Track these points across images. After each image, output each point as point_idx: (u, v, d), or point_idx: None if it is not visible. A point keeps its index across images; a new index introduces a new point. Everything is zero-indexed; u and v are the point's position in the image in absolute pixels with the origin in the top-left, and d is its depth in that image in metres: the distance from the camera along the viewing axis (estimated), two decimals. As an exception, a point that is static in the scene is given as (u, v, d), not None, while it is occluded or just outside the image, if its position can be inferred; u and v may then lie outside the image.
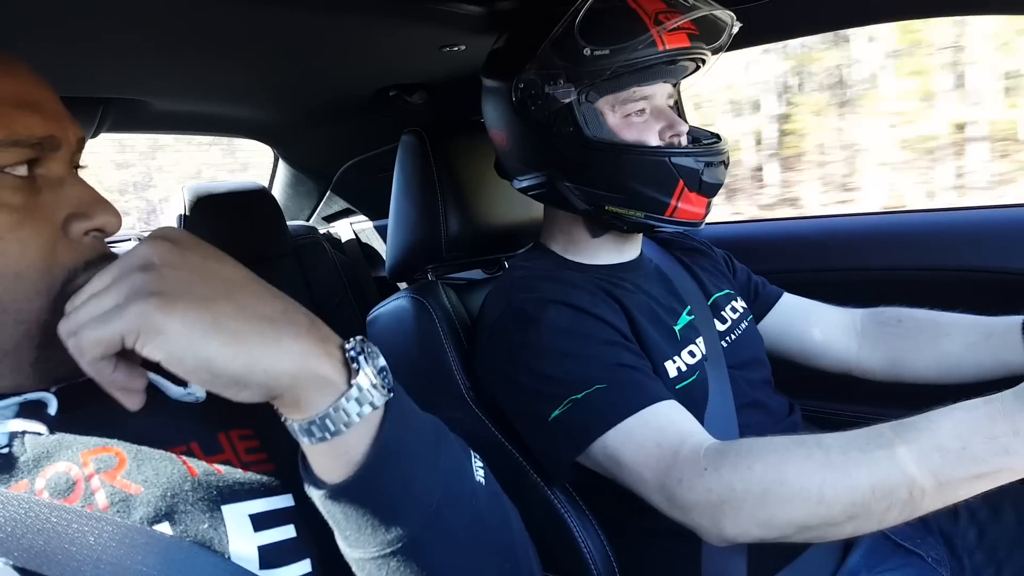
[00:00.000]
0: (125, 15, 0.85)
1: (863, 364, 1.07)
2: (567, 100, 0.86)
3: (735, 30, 0.89)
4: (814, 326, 1.10)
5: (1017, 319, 0.94)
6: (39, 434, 0.48)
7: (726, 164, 0.90)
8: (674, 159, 0.86)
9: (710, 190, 0.89)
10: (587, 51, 0.84)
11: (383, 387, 0.45)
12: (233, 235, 1.60)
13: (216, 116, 1.59)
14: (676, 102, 0.97)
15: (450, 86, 1.38)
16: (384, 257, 1.87)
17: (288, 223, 1.76)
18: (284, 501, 0.53)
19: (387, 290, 1.73)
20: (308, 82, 1.36)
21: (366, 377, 0.44)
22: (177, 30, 0.94)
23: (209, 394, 0.51)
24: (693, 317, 0.95)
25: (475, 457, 0.55)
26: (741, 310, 1.04)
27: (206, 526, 0.48)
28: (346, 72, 1.31)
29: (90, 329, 0.40)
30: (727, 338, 0.98)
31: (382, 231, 1.91)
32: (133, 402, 0.44)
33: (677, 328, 0.92)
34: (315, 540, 0.52)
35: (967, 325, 0.99)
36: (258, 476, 0.53)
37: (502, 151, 0.99)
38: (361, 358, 0.45)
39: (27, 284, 0.47)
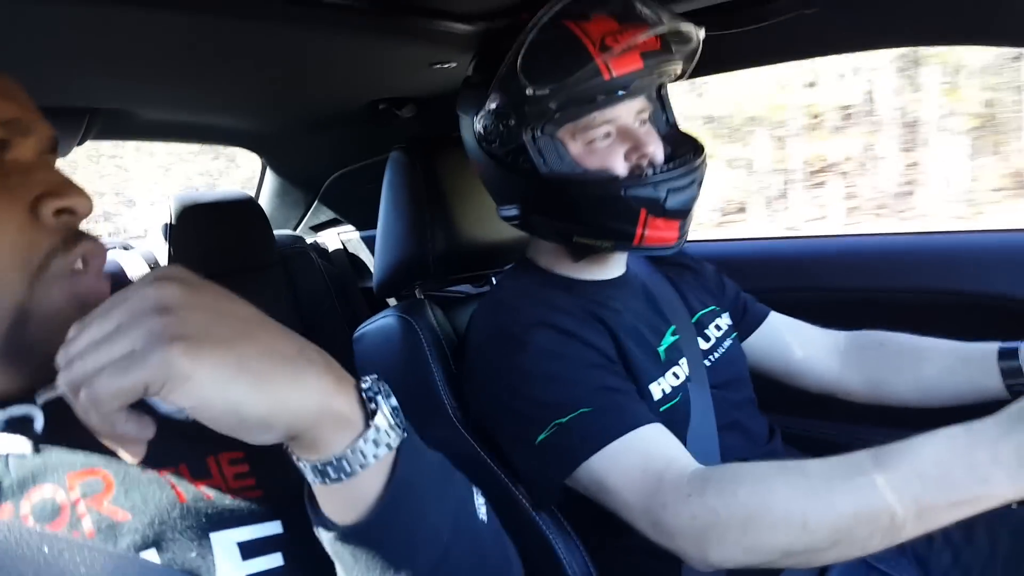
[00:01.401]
0: (113, 25, 0.85)
1: (845, 385, 1.08)
2: (518, 139, 0.85)
3: (700, 37, 0.84)
4: (799, 346, 1.11)
5: (994, 346, 0.95)
6: (24, 455, 0.47)
7: (697, 183, 0.86)
8: (630, 191, 0.82)
9: (677, 215, 0.85)
10: (529, 91, 0.80)
11: (399, 427, 0.44)
12: (219, 244, 1.59)
13: (204, 125, 1.58)
14: (655, 111, 0.93)
15: (440, 101, 1.39)
16: (371, 268, 1.87)
17: (275, 232, 1.75)
18: (273, 528, 0.52)
19: (374, 301, 1.72)
20: (298, 93, 1.36)
21: (384, 417, 0.43)
22: (162, 42, 0.93)
23: None
24: (677, 337, 0.96)
25: (477, 493, 0.54)
26: (725, 327, 1.05)
27: (194, 554, 0.47)
28: (336, 84, 1.31)
29: (108, 378, 0.37)
30: (710, 357, 0.99)
31: (369, 242, 1.91)
32: (138, 453, 0.43)
33: (662, 349, 0.93)
34: (304, 569, 0.51)
35: (946, 350, 1.00)
36: (247, 502, 0.52)
37: (481, 181, 1.00)
38: (379, 397, 0.44)
39: (2, 266, 0.46)
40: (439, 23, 1.02)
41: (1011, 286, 1.15)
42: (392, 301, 1.55)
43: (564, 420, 0.79)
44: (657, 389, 0.88)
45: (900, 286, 1.26)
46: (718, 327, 1.04)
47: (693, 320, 1.01)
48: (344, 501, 0.44)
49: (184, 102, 1.35)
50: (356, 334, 1.13)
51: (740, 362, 1.05)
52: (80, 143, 1.36)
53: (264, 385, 0.39)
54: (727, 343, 1.03)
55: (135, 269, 1.50)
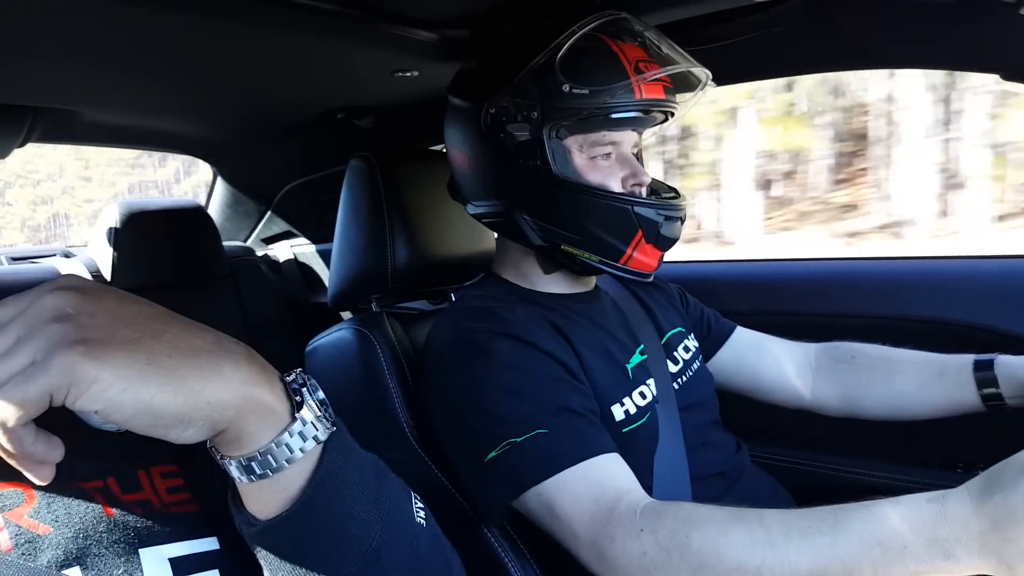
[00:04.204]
0: (58, 20, 0.81)
1: (817, 400, 1.08)
2: (538, 133, 0.85)
3: (707, 88, 0.91)
4: (768, 360, 1.11)
5: (968, 358, 0.96)
6: None
7: (683, 220, 0.90)
8: (637, 208, 0.86)
9: (665, 244, 0.89)
10: (566, 87, 0.83)
11: (326, 420, 0.44)
12: (166, 254, 1.53)
13: (152, 130, 1.52)
14: (639, 151, 0.97)
15: (400, 111, 1.36)
16: (325, 283, 1.83)
17: (225, 243, 1.69)
18: (208, 544, 0.50)
19: (327, 316, 1.68)
20: (250, 99, 1.32)
21: (310, 410, 0.43)
22: (113, 39, 0.89)
23: None
24: (646, 356, 0.94)
25: (416, 499, 0.53)
26: (693, 349, 1.04)
27: (121, 571, 0.45)
28: (292, 92, 1.27)
29: (9, 391, 0.36)
30: (679, 379, 0.98)
31: (324, 255, 1.86)
32: (45, 475, 0.41)
33: (630, 367, 0.91)
34: None
35: (920, 362, 1.00)
36: (180, 517, 0.50)
37: (460, 174, 0.97)
38: (304, 390, 0.44)
39: None
40: (402, 29, 1.00)
41: (979, 314, 1.17)
42: (347, 315, 1.51)
43: (518, 440, 0.77)
44: (620, 410, 0.87)
45: (871, 312, 1.27)
46: (686, 348, 1.03)
47: (662, 341, 1.00)
48: (267, 495, 0.43)
49: (133, 104, 1.30)
50: (309, 347, 1.09)
51: (708, 384, 1.04)
52: (22, 145, 1.29)
53: (176, 379, 0.38)
54: (695, 365, 1.02)
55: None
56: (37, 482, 0.41)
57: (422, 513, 0.52)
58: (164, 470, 0.52)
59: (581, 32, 0.83)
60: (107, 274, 1.46)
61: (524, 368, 0.81)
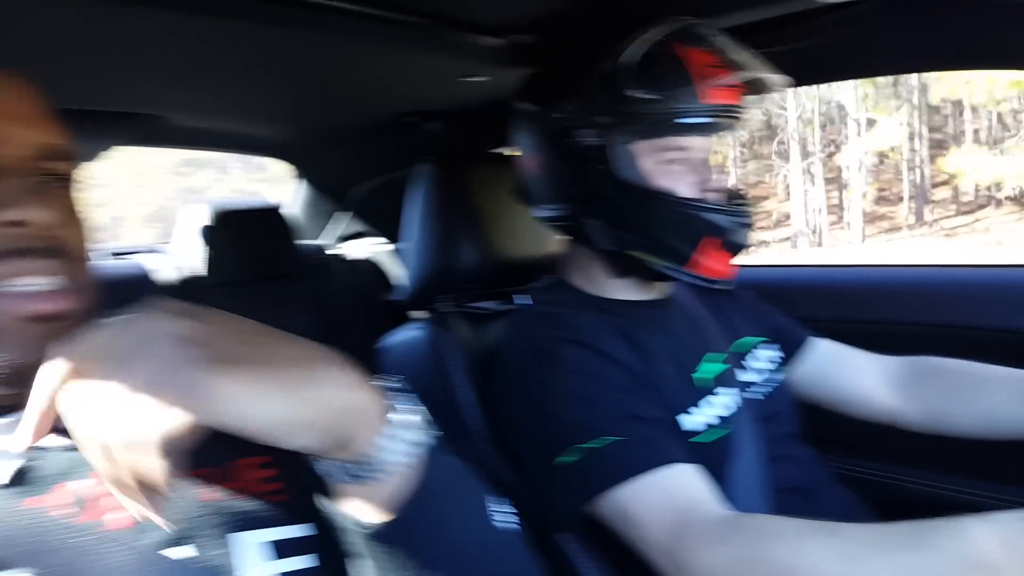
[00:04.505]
0: (149, 32, 0.86)
1: (901, 414, 1.02)
2: (603, 138, 0.86)
3: (782, 92, 0.89)
4: (848, 372, 1.06)
5: None
6: (60, 448, 0.49)
7: (752, 226, 0.89)
8: (704, 213, 0.85)
9: (734, 249, 0.88)
10: (633, 93, 0.82)
11: (424, 426, 0.45)
12: (249, 251, 1.60)
13: (236, 134, 1.60)
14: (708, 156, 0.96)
15: (468, 115, 1.38)
16: (396, 282, 1.87)
17: (302, 242, 1.75)
18: (305, 530, 0.53)
19: (398, 314, 1.72)
20: (325, 105, 1.37)
21: (409, 415, 0.44)
22: (201, 50, 0.94)
23: None
24: (720, 365, 0.93)
25: (498, 502, 0.54)
26: (769, 359, 1.01)
27: (219, 552, 0.48)
28: (365, 97, 1.31)
29: (158, 420, 0.36)
30: (754, 389, 0.96)
31: (395, 255, 1.90)
32: (160, 506, 0.39)
33: (702, 376, 0.90)
34: (338, 570, 0.51)
35: (1010, 379, 0.94)
36: (274, 505, 0.53)
37: (528, 177, 0.98)
38: (402, 397, 0.45)
39: None
40: (468, 36, 1.01)
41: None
42: (418, 314, 1.54)
43: (589, 446, 0.77)
44: (692, 420, 0.86)
45: (961, 322, 1.20)
46: (761, 357, 1.01)
47: (736, 349, 0.98)
48: (370, 501, 0.44)
49: (216, 109, 1.37)
50: (381, 345, 1.12)
51: (784, 395, 1.01)
52: (115, 146, 1.38)
53: (298, 389, 0.39)
54: (771, 375, 1.00)
55: (164, 273, 1.51)
56: (157, 517, 0.39)
57: (499, 516, 0.53)
58: (257, 461, 0.55)
59: (649, 38, 0.82)
60: (198, 270, 1.53)
61: (593, 375, 0.82)
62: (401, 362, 1.09)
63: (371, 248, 1.98)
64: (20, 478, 0.48)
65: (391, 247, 1.92)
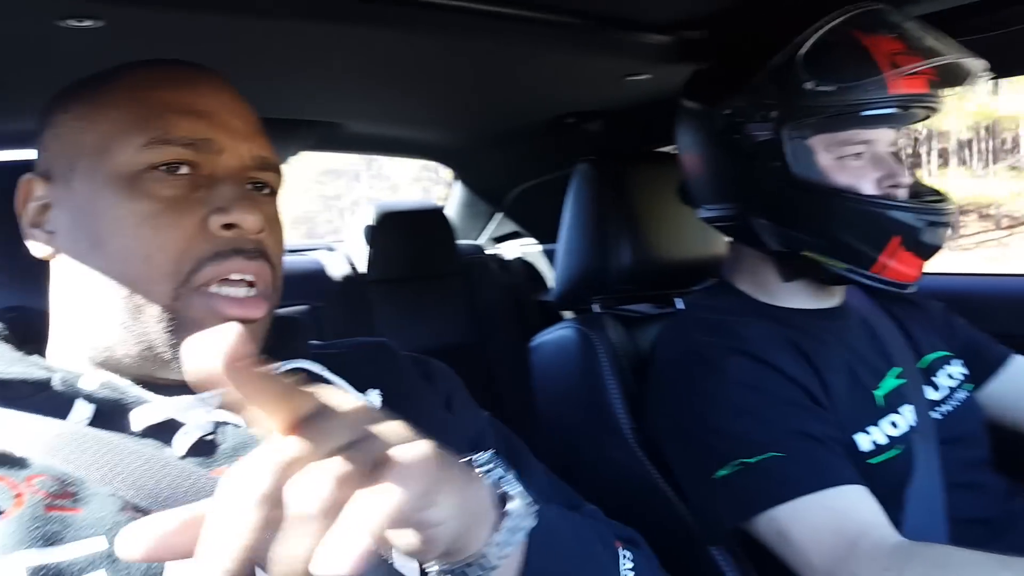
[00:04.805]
0: (328, 45, 0.93)
1: None
2: (777, 133, 0.81)
3: (982, 79, 0.80)
4: None
5: None
6: (239, 426, 0.52)
7: (949, 226, 0.82)
8: (893, 212, 0.79)
9: (927, 251, 0.81)
10: (809, 85, 0.78)
11: (529, 505, 0.42)
12: (410, 251, 1.68)
13: (403, 139, 1.69)
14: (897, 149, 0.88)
15: (628, 114, 1.37)
16: (549, 282, 1.89)
17: (458, 242, 1.82)
18: None
19: (549, 313, 1.73)
20: (487, 108, 1.41)
21: (517, 502, 0.41)
22: (373, 59, 1.00)
23: None
24: (901, 381, 0.85)
25: (623, 557, 0.52)
26: (959, 376, 0.91)
27: None
28: (526, 99, 1.34)
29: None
30: (940, 408, 0.87)
31: (549, 255, 1.92)
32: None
33: (880, 393, 0.83)
34: None
35: None
36: None
37: (692, 177, 0.95)
38: (505, 481, 0.42)
39: (152, 267, 0.50)
40: (635, 34, 1.00)
41: None
42: (569, 315, 1.55)
43: (752, 460, 0.74)
44: (866, 439, 0.79)
45: None
46: (950, 375, 0.91)
47: (921, 365, 0.89)
48: None
49: (388, 116, 1.46)
50: (533, 343, 1.14)
51: (974, 417, 0.91)
52: (295, 153, 1.51)
53: (462, 493, 0.37)
54: (960, 394, 0.90)
55: (336, 269, 1.63)
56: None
57: (630, 564, 0.51)
58: None
59: (828, 26, 0.77)
60: (363, 267, 1.64)
61: (759, 388, 0.78)
62: (551, 361, 1.09)
63: (523, 248, 2.01)
64: (199, 449, 0.50)
65: (543, 247, 1.94)
